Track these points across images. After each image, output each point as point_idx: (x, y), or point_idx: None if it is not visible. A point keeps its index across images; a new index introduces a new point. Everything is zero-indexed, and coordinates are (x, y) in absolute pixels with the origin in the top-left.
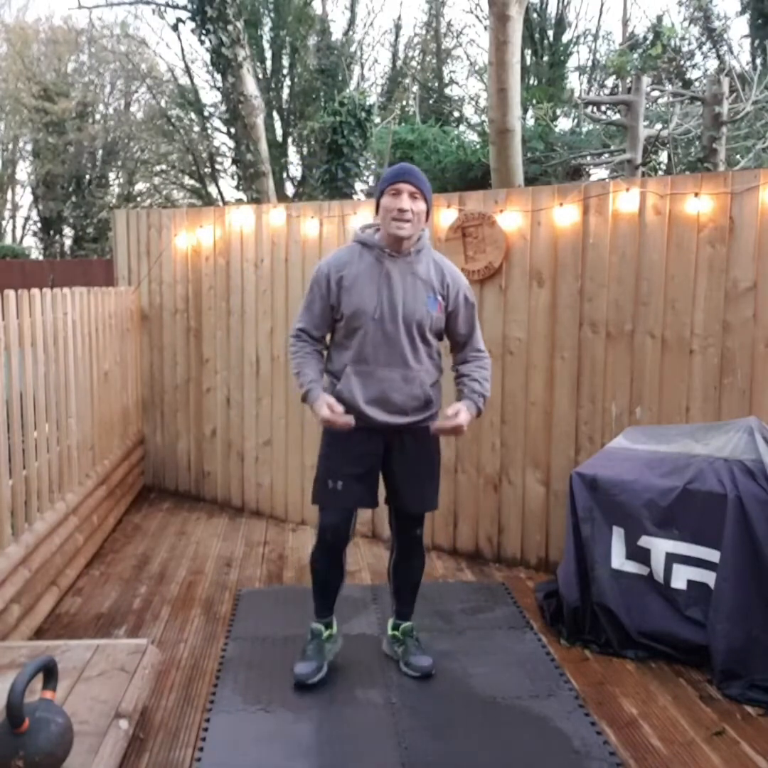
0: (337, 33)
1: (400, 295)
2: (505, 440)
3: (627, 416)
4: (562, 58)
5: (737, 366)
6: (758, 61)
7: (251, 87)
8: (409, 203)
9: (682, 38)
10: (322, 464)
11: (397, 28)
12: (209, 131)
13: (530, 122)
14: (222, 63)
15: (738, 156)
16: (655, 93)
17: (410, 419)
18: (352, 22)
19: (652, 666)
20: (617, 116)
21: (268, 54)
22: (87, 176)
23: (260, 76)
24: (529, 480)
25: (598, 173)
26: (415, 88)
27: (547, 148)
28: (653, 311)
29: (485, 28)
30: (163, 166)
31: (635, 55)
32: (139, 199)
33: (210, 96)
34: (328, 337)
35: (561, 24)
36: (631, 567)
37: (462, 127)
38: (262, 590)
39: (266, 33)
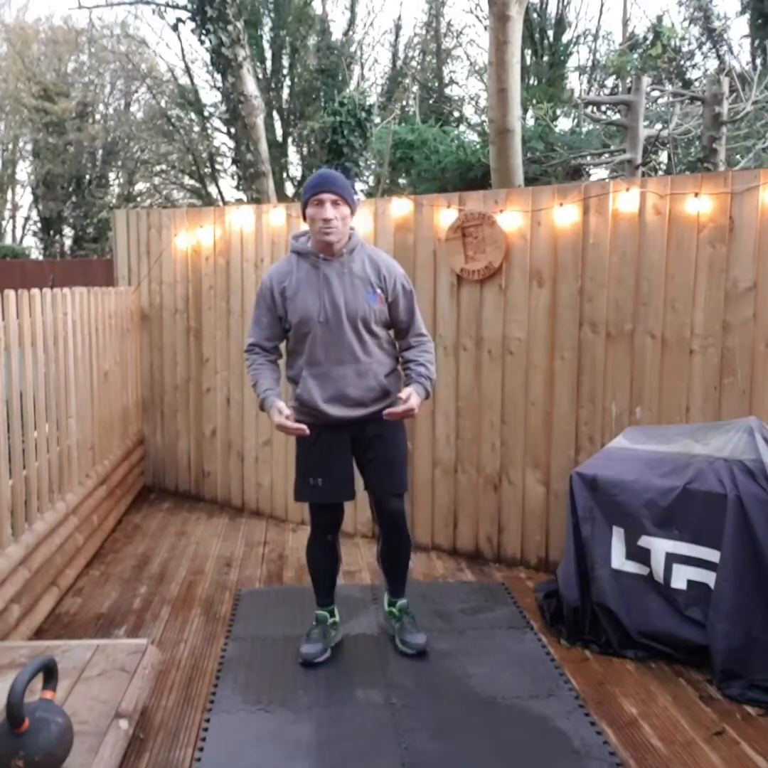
0: (337, 33)
1: (340, 295)
2: (505, 440)
3: (627, 416)
4: (562, 58)
5: (737, 366)
6: (758, 61)
7: (251, 87)
8: (332, 211)
9: (682, 38)
10: (300, 463)
11: (397, 28)
12: (209, 131)
13: (530, 122)
14: (222, 63)
15: (738, 156)
16: (655, 93)
17: (370, 410)
18: (352, 22)
19: (652, 666)
20: (617, 116)
21: (268, 54)
22: (87, 176)
23: (260, 76)
24: (529, 480)
25: (598, 173)
26: (415, 88)
27: (547, 148)
28: (653, 311)
29: (485, 28)
30: (163, 166)
31: (635, 55)
32: (139, 199)
33: (210, 96)
34: (282, 346)
35: (561, 24)
36: (631, 567)
37: (462, 127)
38: (262, 590)
39: (266, 33)
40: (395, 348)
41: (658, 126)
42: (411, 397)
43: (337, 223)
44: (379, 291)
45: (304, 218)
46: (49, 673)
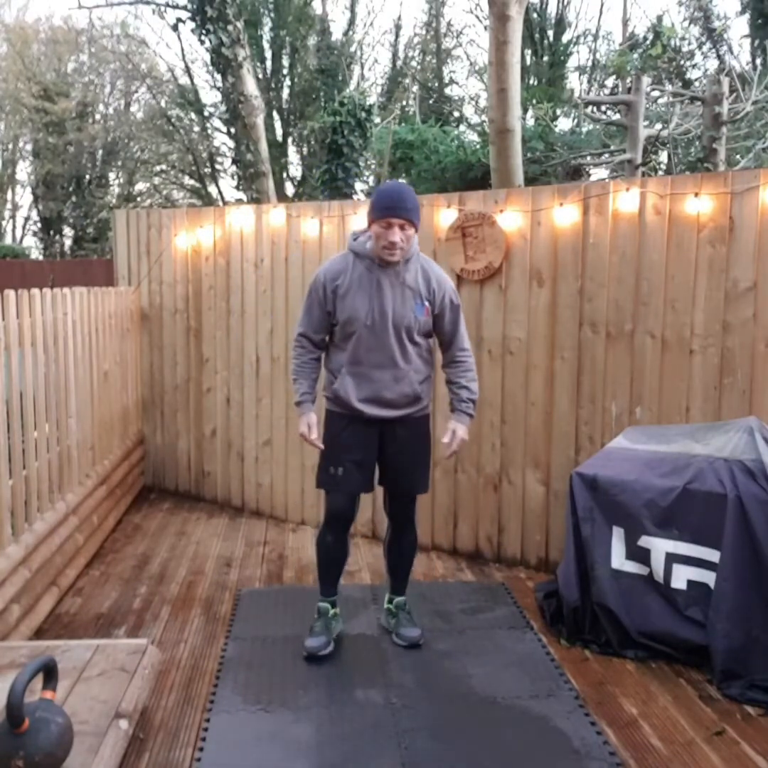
0: (337, 33)
1: (389, 303)
2: (505, 440)
3: (627, 416)
4: (562, 58)
5: (737, 366)
6: (758, 61)
7: (251, 87)
8: (399, 235)
9: (682, 38)
10: (325, 451)
11: (397, 28)
12: (209, 131)
13: (530, 122)
14: (222, 63)
15: (738, 156)
16: (655, 93)
17: (401, 412)
18: (352, 22)
19: (652, 666)
20: (617, 116)
21: (268, 54)
22: (87, 176)
23: (260, 76)
24: (529, 480)
25: (598, 173)
26: (415, 88)
27: (547, 148)
28: (653, 311)
29: (485, 28)
30: (163, 166)
31: (635, 55)
32: (139, 199)
33: (210, 96)
34: (327, 338)
35: (561, 24)
36: (631, 567)
37: (462, 127)
38: (262, 590)
39: (266, 33)
40: (432, 356)
41: (658, 126)
42: (456, 432)
43: (402, 245)
44: (427, 303)
45: (369, 226)
46: (49, 673)
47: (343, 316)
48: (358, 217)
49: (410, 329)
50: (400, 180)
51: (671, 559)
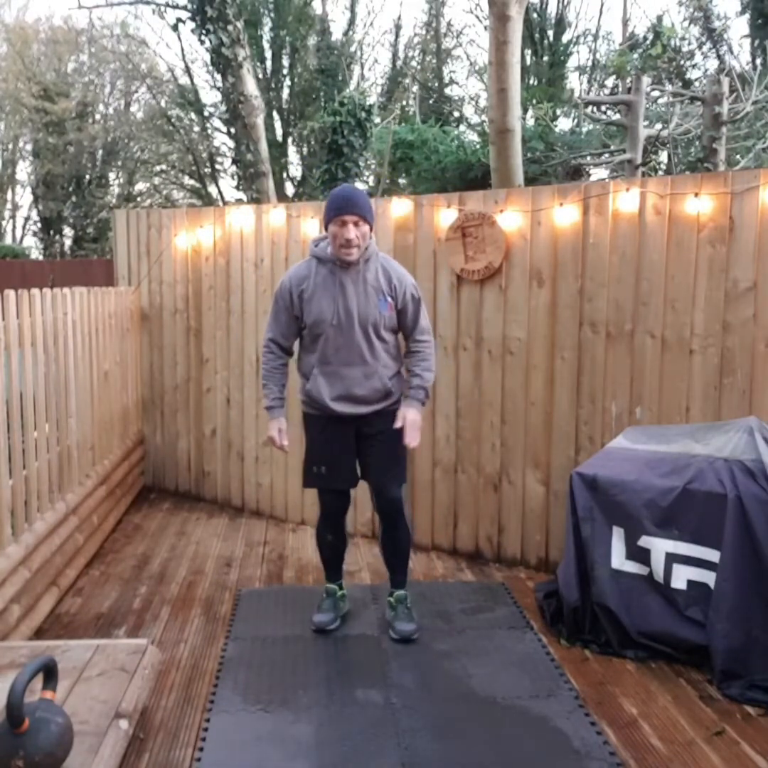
0: (337, 33)
1: (353, 302)
2: (505, 440)
3: (627, 416)
4: (562, 58)
5: (737, 366)
6: (758, 61)
7: (251, 87)
8: (353, 232)
9: (682, 38)
10: (307, 452)
11: (397, 28)
12: (209, 131)
13: (530, 122)
14: (222, 63)
15: (738, 156)
16: (655, 93)
17: (374, 408)
18: (352, 22)
19: (652, 666)
20: (617, 116)
21: (268, 54)
22: (87, 176)
23: (260, 76)
24: (529, 480)
25: (598, 173)
26: (415, 88)
27: (547, 148)
28: (653, 311)
29: (485, 28)
30: (163, 166)
31: (635, 55)
32: (139, 199)
33: (210, 96)
34: (296, 344)
35: (561, 24)
36: (631, 567)
37: (462, 127)
38: (262, 590)
39: (266, 33)
40: (400, 352)
41: (658, 126)
42: (406, 415)
43: (357, 242)
44: (389, 299)
45: (325, 229)
46: (49, 673)
47: (310, 318)
48: None
49: (376, 325)
50: (400, 180)
51: (671, 559)
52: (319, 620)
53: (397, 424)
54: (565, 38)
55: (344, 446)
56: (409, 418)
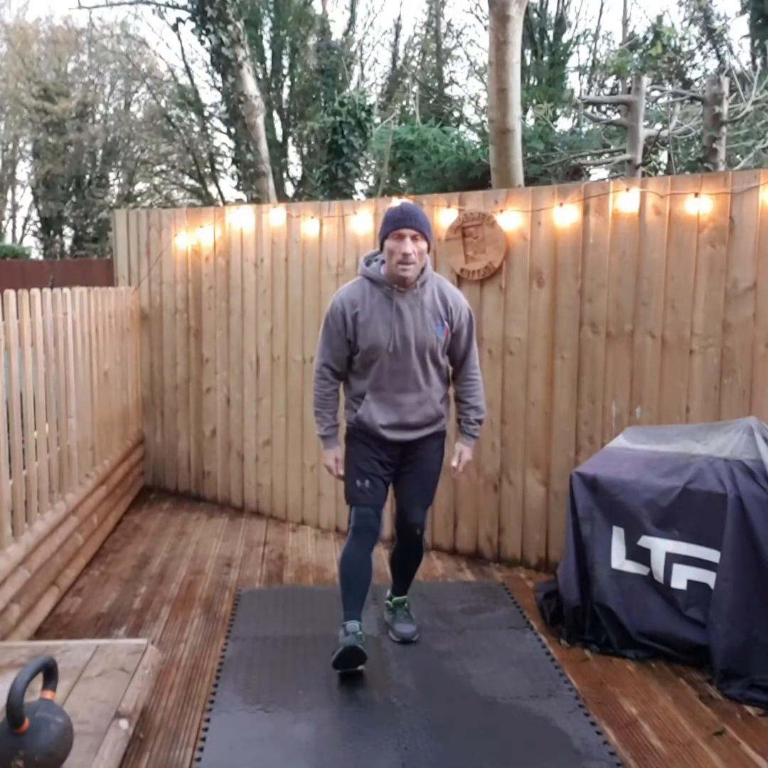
0: (337, 33)
1: (411, 328)
2: (505, 440)
3: (627, 416)
4: (562, 58)
5: (737, 366)
6: (758, 61)
7: (251, 87)
8: (411, 247)
9: (682, 38)
10: (350, 467)
11: (397, 28)
12: (209, 131)
13: (530, 122)
14: (222, 63)
15: (738, 156)
16: (655, 93)
17: (423, 433)
18: (352, 22)
19: (652, 666)
20: (617, 116)
21: (268, 54)
22: (87, 176)
23: (260, 76)
24: (529, 480)
25: (598, 173)
26: (415, 88)
27: (547, 148)
28: (653, 311)
29: (485, 28)
30: (163, 166)
31: (635, 55)
32: (139, 199)
33: (210, 96)
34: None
35: (561, 24)
36: (631, 567)
37: (462, 127)
38: (262, 590)
39: (266, 33)
40: (448, 374)
41: (658, 126)
42: (463, 453)
43: (414, 258)
44: (446, 323)
45: (381, 248)
46: (49, 673)
47: (365, 344)
48: (358, 217)
49: (433, 350)
50: (400, 180)
51: (671, 559)
52: (346, 641)
53: (453, 463)
54: (565, 38)
55: (388, 466)
56: (465, 457)
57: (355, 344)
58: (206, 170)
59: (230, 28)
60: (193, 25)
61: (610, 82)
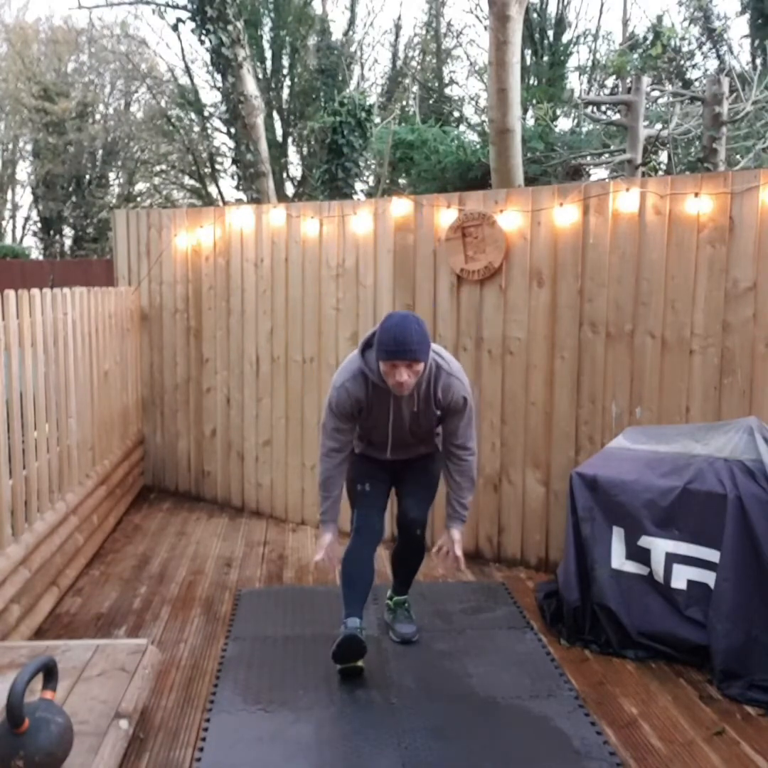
0: (337, 33)
1: (408, 422)
2: (505, 440)
3: (627, 416)
4: (562, 58)
5: (737, 366)
6: (758, 61)
7: (251, 87)
8: (406, 374)
9: (682, 38)
10: (352, 471)
11: (397, 28)
12: (209, 131)
13: (530, 122)
14: (222, 63)
15: (738, 156)
16: (655, 93)
17: (417, 455)
18: (352, 22)
19: (652, 666)
20: (617, 116)
21: (268, 54)
22: (87, 176)
23: (260, 76)
24: (529, 480)
25: (598, 173)
26: (415, 88)
27: (547, 148)
28: (653, 311)
29: (485, 28)
30: (163, 166)
31: (635, 55)
32: (139, 199)
33: (210, 96)
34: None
35: (561, 24)
36: (631, 567)
37: (462, 127)
38: (262, 590)
39: (266, 33)
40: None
41: (658, 126)
42: (453, 538)
43: (411, 381)
44: (438, 412)
45: (376, 362)
46: (49, 673)
47: (366, 426)
48: (358, 217)
49: (429, 431)
50: (400, 180)
51: (671, 559)
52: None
53: (444, 551)
54: (565, 38)
55: (385, 469)
56: (456, 539)
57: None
58: (206, 170)
59: (230, 28)
60: (193, 25)
61: (610, 82)
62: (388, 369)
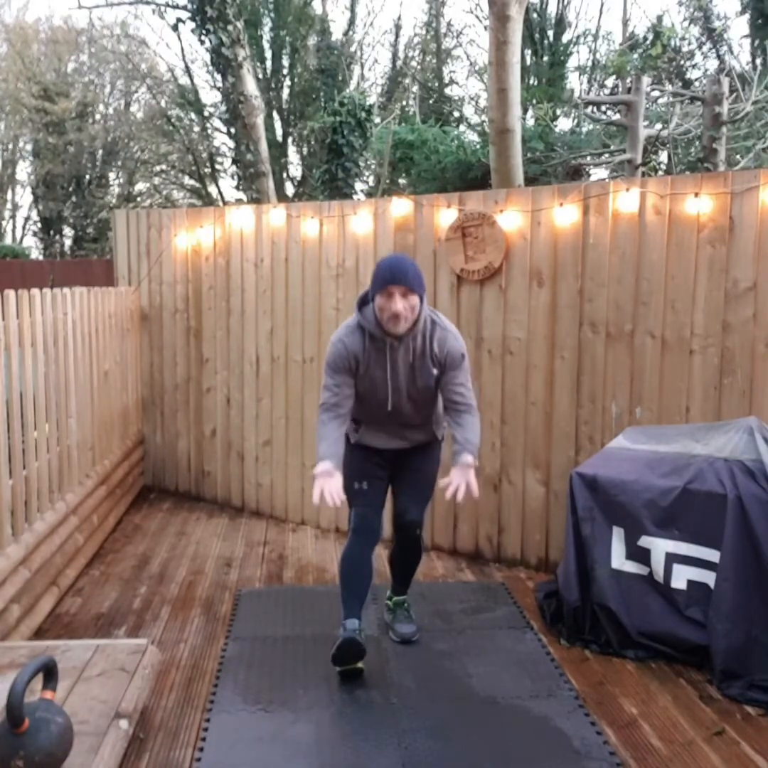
0: (337, 33)
1: (405, 378)
2: (505, 440)
3: (627, 416)
4: (562, 58)
5: (737, 366)
6: (758, 61)
7: (251, 87)
8: (401, 304)
9: (682, 38)
10: (348, 469)
11: (397, 28)
12: (209, 131)
13: (530, 122)
14: (222, 63)
15: (738, 156)
16: (655, 93)
17: (416, 444)
18: (352, 22)
19: (652, 666)
20: (617, 116)
21: (268, 54)
22: (87, 176)
23: (260, 76)
24: (529, 480)
25: (598, 173)
26: (415, 88)
27: (547, 148)
28: (653, 311)
29: (485, 28)
30: (163, 166)
31: (635, 55)
32: (139, 199)
33: (210, 96)
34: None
35: (561, 24)
36: (631, 567)
37: (462, 127)
38: (262, 590)
39: (266, 33)
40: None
41: (658, 126)
42: (454, 477)
43: (406, 314)
44: (435, 370)
45: (371, 299)
46: (49, 673)
47: (362, 388)
48: (358, 217)
49: (424, 392)
50: (400, 180)
51: (671, 559)
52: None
53: (450, 493)
54: (565, 38)
55: (384, 467)
56: (468, 463)
57: (356, 381)
58: (206, 170)
59: (230, 28)
60: (193, 25)
61: (610, 82)
62: (383, 302)
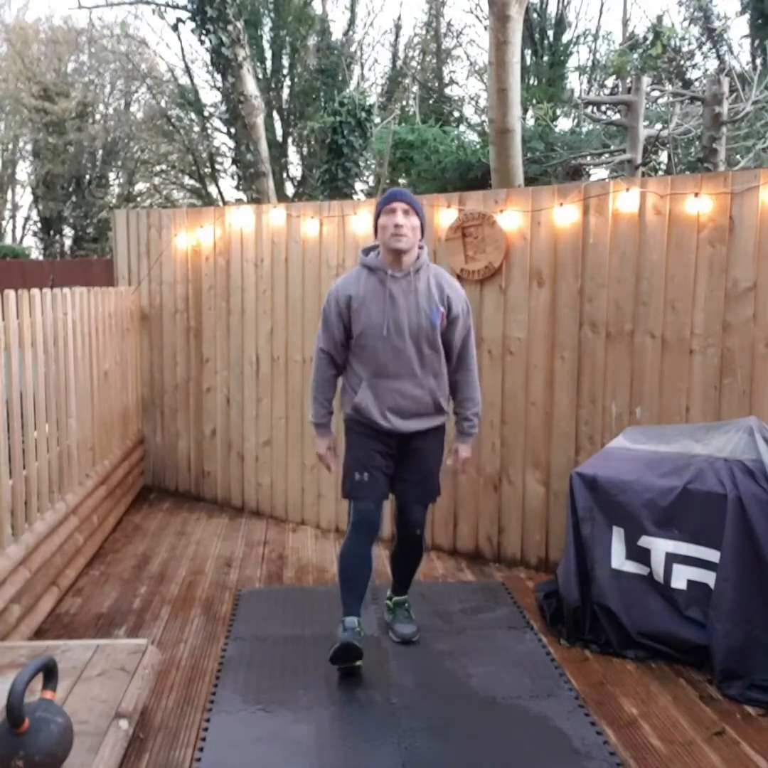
0: (337, 33)
1: (404, 312)
2: (505, 440)
3: (627, 416)
4: (562, 58)
5: (737, 366)
6: (758, 61)
7: (251, 87)
8: (403, 218)
9: (682, 38)
10: (349, 459)
11: (397, 28)
12: (209, 131)
13: (530, 122)
14: (222, 63)
15: (738, 156)
16: (655, 93)
17: (423, 426)
18: (352, 22)
19: (652, 666)
20: (617, 116)
21: (268, 54)
22: (87, 176)
23: (260, 76)
24: (529, 480)
25: (598, 173)
26: (415, 88)
27: (547, 148)
28: (653, 311)
29: (485, 28)
30: (163, 166)
31: (635, 55)
32: (139, 199)
33: (210, 96)
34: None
35: (561, 24)
36: (631, 567)
37: (462, 127)
38: (262, 590)
39: (266, 33)
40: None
41: (658, 126)
42: (459, 451)
43: (407, 230)
44: (442, 308)
45: (376, 234)
46: (49, 673)
47: (359, 328)
48: (358, 217)
49: (428, 336)
50: (400, 180)
51: (671, 559)
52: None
53: (449, 463)
54: (565, 38)
55: (386, 456)
56: (463, 455)
57: (351, 330)
58: (206, 170)
59: (230, 28)
60: (193, 25)
61: (610, 82)
62: (387, 220)
